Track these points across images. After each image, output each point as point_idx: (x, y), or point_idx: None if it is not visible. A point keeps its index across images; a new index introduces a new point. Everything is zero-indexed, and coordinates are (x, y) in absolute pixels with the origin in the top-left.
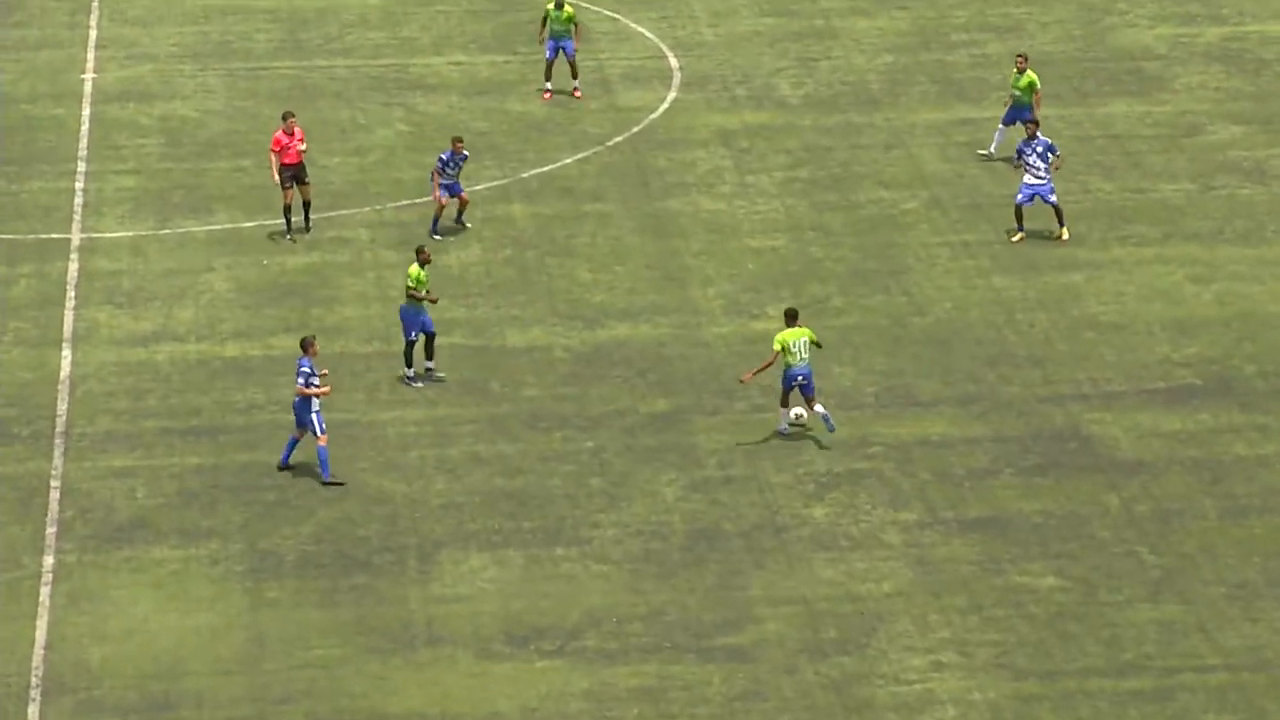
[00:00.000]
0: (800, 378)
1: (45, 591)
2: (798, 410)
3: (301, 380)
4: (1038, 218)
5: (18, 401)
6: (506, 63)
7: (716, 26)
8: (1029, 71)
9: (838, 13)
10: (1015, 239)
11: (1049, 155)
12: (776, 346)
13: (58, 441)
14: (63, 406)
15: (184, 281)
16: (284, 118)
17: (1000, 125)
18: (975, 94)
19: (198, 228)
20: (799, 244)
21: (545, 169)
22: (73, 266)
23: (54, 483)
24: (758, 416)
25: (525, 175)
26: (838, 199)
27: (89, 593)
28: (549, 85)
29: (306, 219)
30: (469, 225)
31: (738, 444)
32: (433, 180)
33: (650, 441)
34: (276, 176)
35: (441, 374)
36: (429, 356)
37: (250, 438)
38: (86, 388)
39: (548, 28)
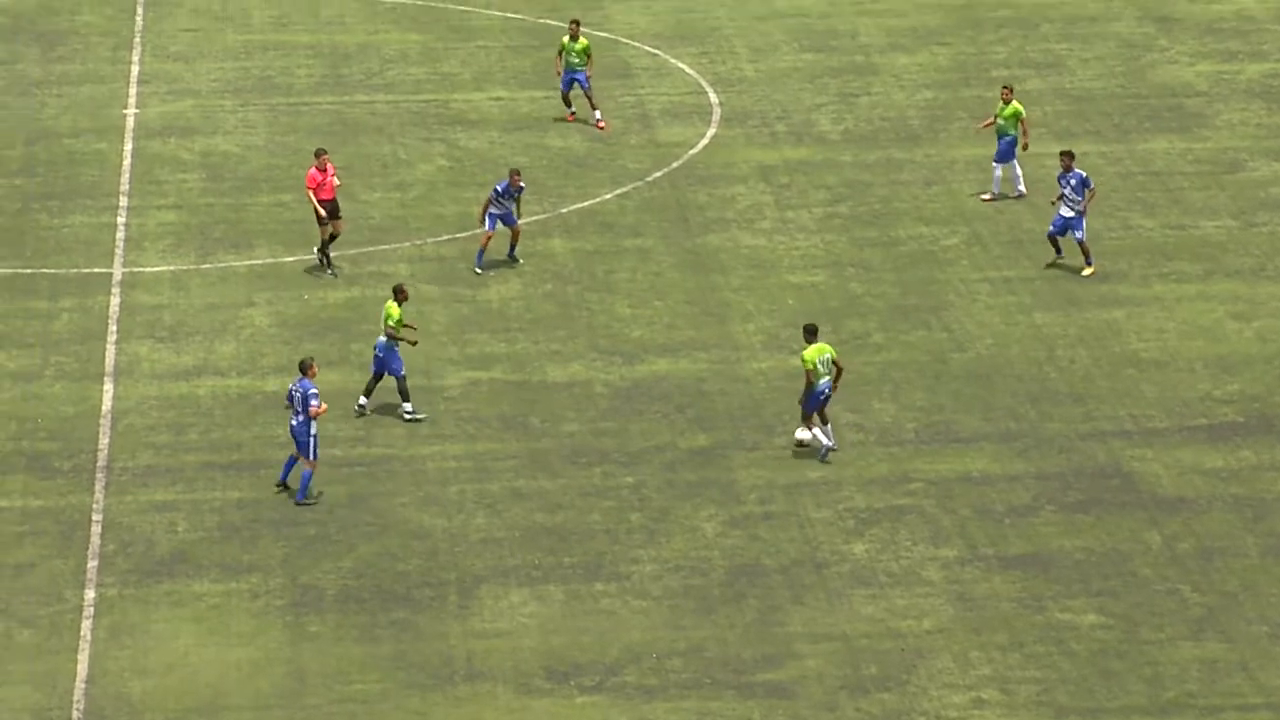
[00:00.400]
0: (826, 392)
1: (86, 625)
2: (803, 434)
3: (315, 402)
4: (1073, 255)
5: (59, 435)
6: (547, 98)
7: (756, 62)
8: (1014, 102)
9: (878, 49)
10: (1050, 264)
11: (1083, 189)
12: (809, 365)
13: (99, 475)
14: (104, 440)
15: (225, 316)
16: (316, 154)
17: (995, 164)
18: None
19: (238, 262)
20: (839, 280)
21: (585, 204)
22: (114, 301)
23: (95, 517)
24: (798, 452)
25: (565, 210)
26: (878, 235)
27: (130, 627)
28: (571, 110)
29: (327, 249)
30: (520, 260)
31: (778, 479)
32: (483, 209)
33: (690, 477)
34: (322, 212)
35: (368, 411)
36: (368, 393)
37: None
38: (128, 422)
39: (563, 59)
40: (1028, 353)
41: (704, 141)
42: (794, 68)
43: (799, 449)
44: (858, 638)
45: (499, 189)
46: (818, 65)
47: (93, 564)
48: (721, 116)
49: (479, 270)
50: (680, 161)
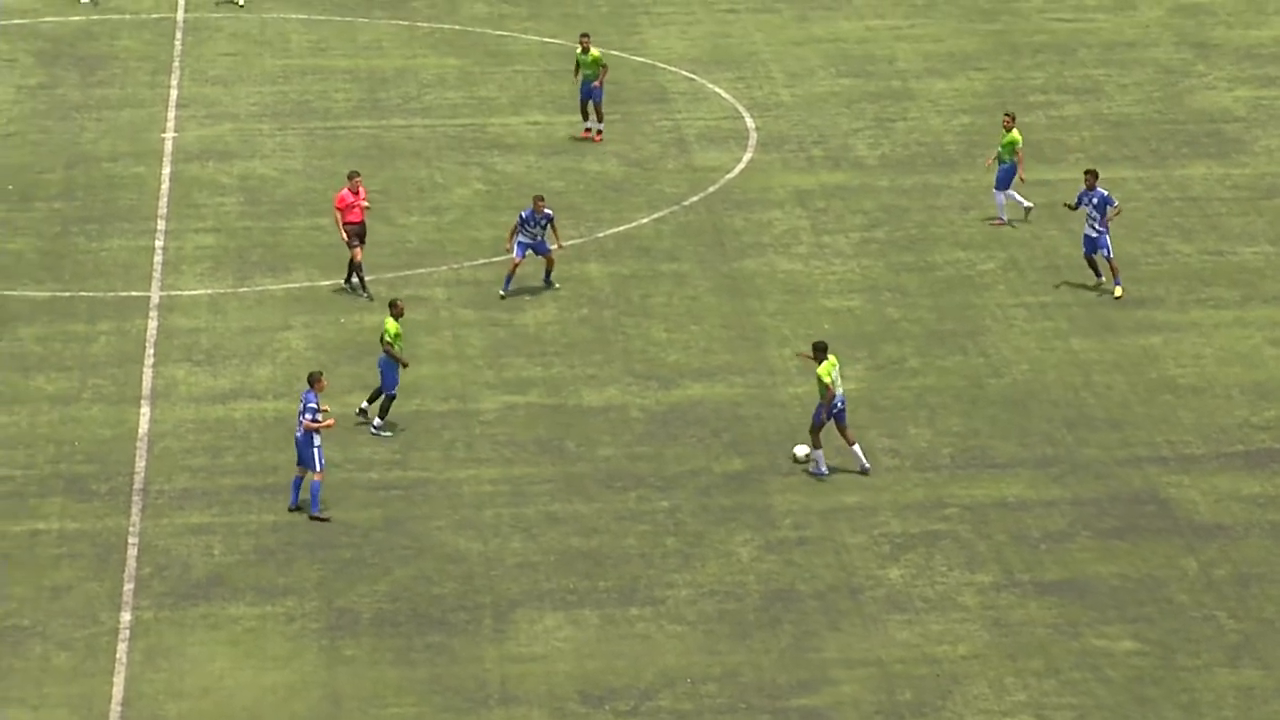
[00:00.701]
0: (840, 405)
1: (123, 648)
2: (803, 449)
3: (309, 415)
4: (1106, 276)
5: (97, 458)
6: (584, 123)
7: (793, 87)
8: (1014, 131)
9: (914, 74)
10: (1095, 284)
11: (1106, 207)
12: (827, 379)
13: (136, 498)
14: (141, 463)
15: (262, 339)
16: (349, 176)
17: (996, 191)
18: (1052, 155)
19: (275, 286)
20: (875, 305)
21: (622, 229)
22: (152, 324)
23: (132, 539)
24: (834, 477)
25: (602, 235)
26: (914, 260)
27: (165, 649)
28: (587, 125)
29: (351, 279)
30: (557, 285)
31: (813, 505)
32: (510, 235)
33: (725, 502)
34: (344, 234)
35: (387, 432)
36: (375, 406)
37: (327, 495)
38: (164, 445)
39: (579, 71)
40: (1064, 378)
41: (740, 166)
42: (831, 93)
43: (800, 461)
44: (893, 663)
45: (523, 215)
46: (855, 90)
47: (129, 587)
48: (758, 141)
49: (503, 294)
50: (717, 186)
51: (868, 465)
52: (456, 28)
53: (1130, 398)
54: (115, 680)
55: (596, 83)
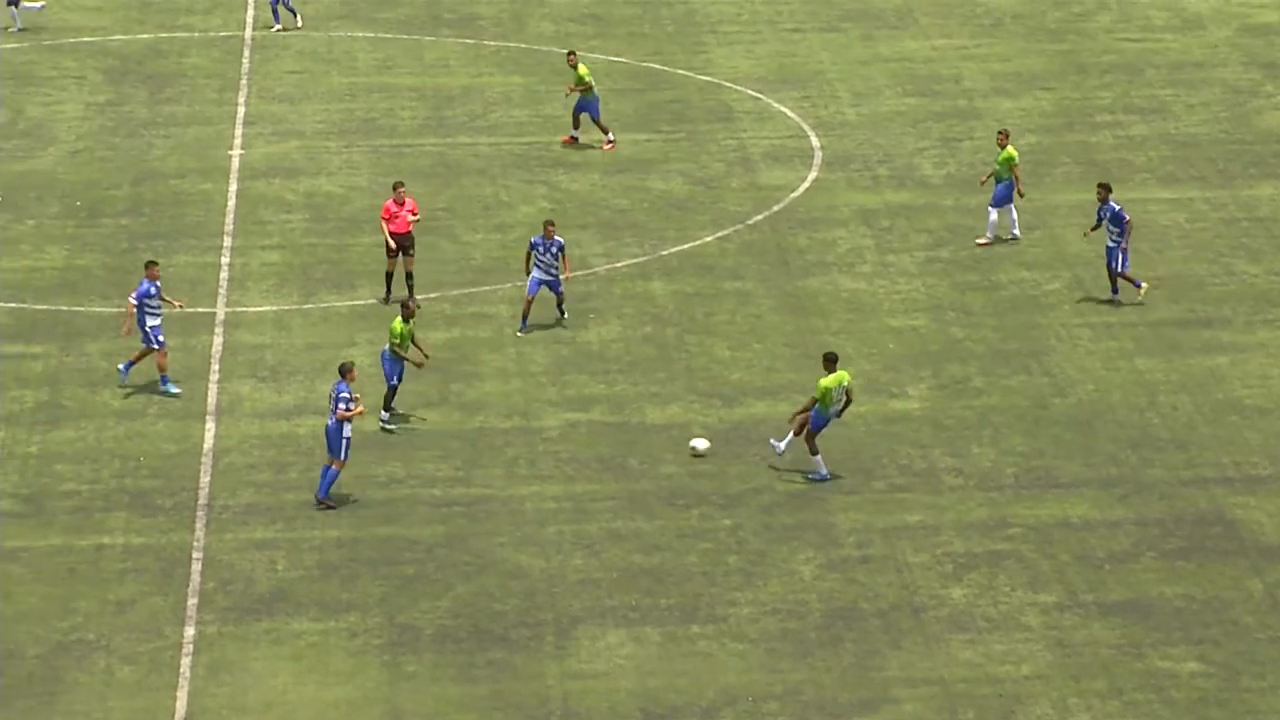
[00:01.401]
0: (831, 416)
1: (186, 663)
2: (702, 443)
3: (342, 405)
4: (1128, 290)
5: (161, 473)
6: (648, 141)
7: (858, 106)
8: (1009, 147)
9: (980, 93)
10: (1107, 298)
11: (1119, 223)
12: (820, 393)
13: (200, 513)
14: (205, 479)
15: (326, 356)
16: (394, 187)
17: (990, 208)
18: (1119, 175)
19: (340, 303)
20: (939, 324)
21: (686, 246)
22: (217, 340)
23: (196, 554)
24: (896, 496)
25: (666, 253)
26: (979, 279)
27: (229, 664)
28: (574, 132)
29: (410, 291)
30: (566, 315)
31: (875, 523)
32: (525, 260)
33: (788, 520)
34: (392, 244)
35: (391, 425)
36: (386, 408)
37: (390, 511)
38: (229, 460)
39: (576, 87)
40: (1129, 398)
41: (805, 185)
42: (896, 112)
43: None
44: (955, 683)
45: (534, 242)
46: (920, 109)
47: (193, 601)
48: (823, 160)
49: (520, 333)
50: (781, 205)
51: (782, 450)
52: (523, 46)
53: (1196, 418)
54: (178, 695)
55: (588, 97)
